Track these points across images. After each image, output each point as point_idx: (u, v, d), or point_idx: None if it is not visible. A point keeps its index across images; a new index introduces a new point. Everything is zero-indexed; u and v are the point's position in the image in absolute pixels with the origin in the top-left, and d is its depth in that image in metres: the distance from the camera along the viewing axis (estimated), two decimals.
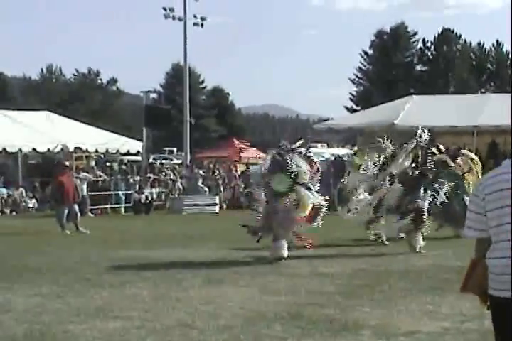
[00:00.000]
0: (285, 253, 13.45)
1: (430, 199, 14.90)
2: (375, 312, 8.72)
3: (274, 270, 12.30)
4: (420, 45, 79.03)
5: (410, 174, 15.22)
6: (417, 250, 14.51)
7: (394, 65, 75.48)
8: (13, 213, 26.66)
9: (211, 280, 11.21)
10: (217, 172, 31.78)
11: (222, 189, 30.25)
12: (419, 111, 30.73)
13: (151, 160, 37.31)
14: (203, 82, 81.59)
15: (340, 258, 13.83)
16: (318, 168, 14.28)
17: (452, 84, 77.00)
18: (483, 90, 75.37)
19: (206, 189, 29.61)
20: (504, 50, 78.26)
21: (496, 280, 4.37)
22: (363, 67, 79.25)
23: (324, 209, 13.97)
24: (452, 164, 16.85)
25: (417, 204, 14.77)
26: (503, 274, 4.33)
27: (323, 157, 32.19)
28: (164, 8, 39.90)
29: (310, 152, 14.63)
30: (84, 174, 25.55)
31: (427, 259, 13.51)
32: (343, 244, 16.25)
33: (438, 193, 15.01)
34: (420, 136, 15.45)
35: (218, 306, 9.13)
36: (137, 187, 28.05)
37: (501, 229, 4.36)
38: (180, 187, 30.59)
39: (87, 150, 29.59)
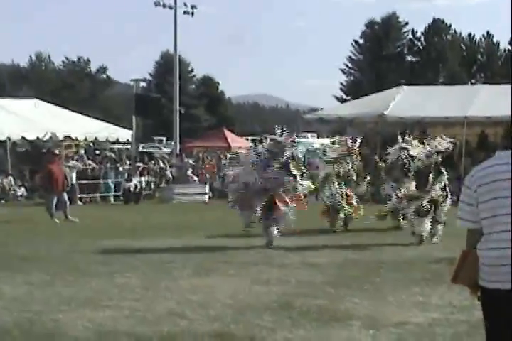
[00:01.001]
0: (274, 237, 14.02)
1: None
2: (365, 302, 8.74)
3: (264, 260, 12.31)
4: (410, 35, 79.03)
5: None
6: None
7: (384, 56, 75.48)
8: (2, 201, 26.58)
9: (201, 269, 11.21)
10: (207, 161, 31.76)
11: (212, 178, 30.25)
12: (409, 102, 30.72)
13: (140, 149, 37.25)
14: (192, 70, 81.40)
15: (330, 248, 13.86)
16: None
17: (442, 74, 77.09)
18: (473, 81, 75.42)
19: (196, 178, 29.59)
20: (494, 41, 78.36)
21: (487, 271, 4.38)
22: (354, 57, 79.23)
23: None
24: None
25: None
26: (494, 265, 4.33)
27: (313, 147, 32.13)
28: None
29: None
30: (74, 162, 25.52)
31: (417, 250, 13.56)
32: (332, 233, 16.30)
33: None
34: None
35: (208, 296, 9.13)
36: (126, 175, 28.01)
37: (494, 221, 4.36)
38: (170, 176, 30.56)
39: (76, 139, 29.50)
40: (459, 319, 7.82)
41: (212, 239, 15.29)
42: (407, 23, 79.01)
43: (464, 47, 78.83)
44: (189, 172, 29.73)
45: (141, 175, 28.79)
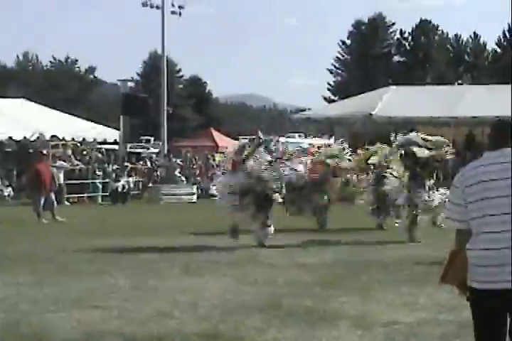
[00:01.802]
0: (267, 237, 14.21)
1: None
2: (354, 302, 8.74)
3: (253, 260, 12.31)
4: (398, 35, 79.16)
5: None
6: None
7: (372, 56, 75.54)
8: None
9: (189, 269, 11.21)
10: (195, 161, 31.74)
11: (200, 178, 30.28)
12: (397, 102, 30.84)
13: (128, 149, 37.15)
14: (180, 71, 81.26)
15: (318, 248, 13.88)
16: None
17: (430, 75, 77.21)
18: (460, 81, 75.64)
19: (183, 178, 29.57)
20: (481, 41, 78.58)
21: (476, 271, 4.38)
22: (341, 57, 79.27)
23: None
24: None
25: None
26: (483, 266, 4.34)
27: (300, 147, 32.17)
28: None
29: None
30: (61, 162, 25.43)
31: (405, 250, 13.57)
32: (321, 233, 16.32)
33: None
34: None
35: (197, 296, 9.11)
36: (114, 176, 27.95)
37: (483, 221, 4.37)
38: (158, 176, 30.52)
39: (63, 139, 29.40)
40: (448, 319, 7.83)
41: (200, 238, 15.28)
42: (394, 23, 79.16)
43: (451, 48, 79.03)
44: (177, 173, 29.69)
45: (128, 175, 28.73)
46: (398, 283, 10.01)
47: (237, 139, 46.28)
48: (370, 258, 12.54)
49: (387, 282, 10.10)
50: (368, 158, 18.15)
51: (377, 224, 17.66)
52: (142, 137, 57.84)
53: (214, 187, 15.48)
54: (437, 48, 77.01)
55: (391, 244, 14.36)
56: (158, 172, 30.79)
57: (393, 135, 15.72)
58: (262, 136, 14.72)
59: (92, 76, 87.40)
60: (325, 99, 77.22)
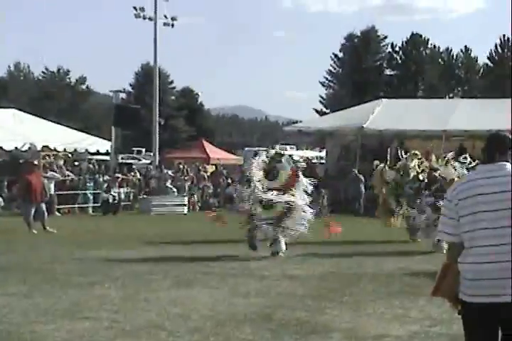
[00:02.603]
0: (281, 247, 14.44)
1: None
2: (345, 315, 8.74)
3: (244, 272, 12.30)
4: (389, 49, 79.40)
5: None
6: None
7: (364, 69, 75.70)
8: None
9: (180, 281, 11.18)
10: (186, 173, 31.72)
11: (194, 190, 30.25)
12: (388, 115, 30.85)
13: (119, 160, 37.10)
14: (172, 82, 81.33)
15: (310, 260, 13.87)
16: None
17: (421, 88, 77.48)
18: (451, 95, 75.90)
19: (175, 189, 29.53)
20: (473, 55, 78.91)
21: (467, 285, 4.39)
22: (333, 70, 79.45)
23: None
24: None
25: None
26: (475, 280, 4.35)
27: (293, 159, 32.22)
28: (135, 8, 39.86)
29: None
30: (52, 173, 25.34)
31: (397, 262, 13.55)
32: (313, 245, 16.30)
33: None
34: None
35: (188, 308, 9.09)
36: (105, 186, 27.89)
37: (474, 235, 4.39)
38: (149, 187, 30.48)
39: (55, 149, 29.31)
40: (439, 332, 7.84)
41: (191, 250, 15.25)
42: (386, 37, 79.41)
43: (442, 62, 79.30)
44: (168, 184, 29.65)
45: (120, 186, 28.67)
46: (390, 295, 10.02)
47: (229, 151, 46.44)
48: (363, 270, 12.54)
49: (379, 294, 10.10)
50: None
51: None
52: (134, 148, 57.85)
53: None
54: (429, 62, 77.28)
55: (386, 257, 14.35)
56: (150, 183, 30.73)
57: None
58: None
59: (84, 86, 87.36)
60: (317, 111, 77.29)
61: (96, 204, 27.66)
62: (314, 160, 39.63)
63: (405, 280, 11.32)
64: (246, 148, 50.87)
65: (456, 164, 16.34)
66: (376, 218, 18.95)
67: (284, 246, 14.47)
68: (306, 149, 57.83)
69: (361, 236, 18.00)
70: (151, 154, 40.68)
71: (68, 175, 28.34)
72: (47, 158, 29.75)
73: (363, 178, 27.86)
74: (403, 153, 18.21)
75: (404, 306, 9.23)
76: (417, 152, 17.80)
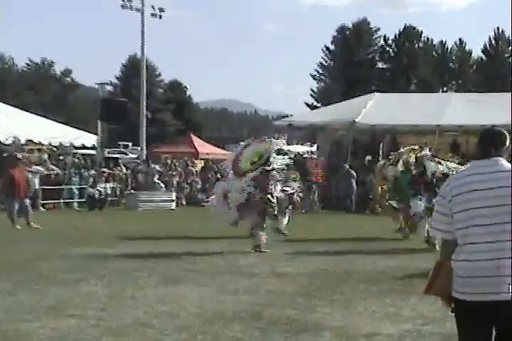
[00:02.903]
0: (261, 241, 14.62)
1: None
2: (336, 313, 8.76)
3: (233, 269, 12.31)
4: (382, 42, 79.40)
5: None
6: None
7: (356, 62, 75.72)
8: None
9: (168, 278, 11.19)
10: (174, 168, 31.70)
11: (182, 185, 30.28)
12: (381, 109, 30.85)
13: (106, 154, 37.01)
14: (160, 75, 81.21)
15: (300, 257, 13.88)
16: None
17: (414, 82, 77.57)
18: (445, 89, 76.03)
19: (162, 185, 29.52)
20: (467, 48, 79.03)
21: (461, 283, 4.41)
22: (325, 63, 79.43)
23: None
24: None
25: None
26: (468, 277, 4.37)
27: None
28: None
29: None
30: (37, 167, 25.27)
31: (389, 260, 13.57)
32: (303, 242, 16.33)
33: None
34: None
35: (175, 305, 9.10)
36: (91, 181, 27.85)
37: (467, 232, 4.40)
38: (136, 182, 30.45)
39: (39, 143, 29.26)
40: (431, 331, 7.87)
41: (179, 247, 15.24)
42: (378, 29, 79.41)
43: (435, 55, 79.39)
44: (156, 179, 29.64)
45: (106, 181, 28.63)
46: (381, 293, 10.04)
47: (218, 146, 46.37)
48: (355, 268, 12.56)
49: (370, 293, 10.13)
50: None
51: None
52: (120, 142, 57.73)
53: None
54: (422, 55, 77.35)
55: (378, 254, 14.35)
56: (137, 178, 30.70)
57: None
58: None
59: (69, 79, 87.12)
60: (307, 105, 77.31)
61: (81, 200, 27.63)
62: (305, 155, 39.61)
63: (397, 278, 11.35)
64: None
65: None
66: (367, 215, 19.05)
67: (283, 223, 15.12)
68: (297, 144, 57.81)
69: (353, 233, 18.04)
70: (138, 148, 40.64)
71: (53, 170, 28.26)
72: (31, 152, 29.68)
73: (354, 174, 27.88)
74: (397, 148, 18.25)
75: (396, 304, 9.26)
76: (415, 147, 17.75)
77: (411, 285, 10.25)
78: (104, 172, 29.12)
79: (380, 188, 18.06)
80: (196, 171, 32.32)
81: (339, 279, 11.30)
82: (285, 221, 15.81)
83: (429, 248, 14.54)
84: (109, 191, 28.32)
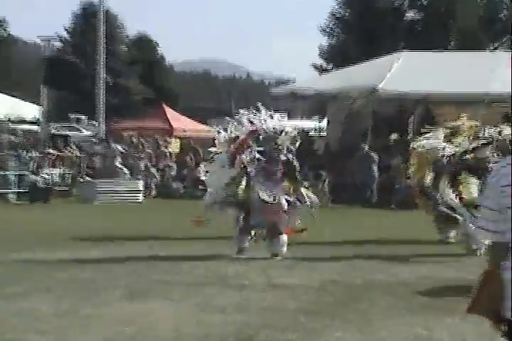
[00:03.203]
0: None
1: None
2: (350, 337, 8.79)
3: (218, 280, 12.32)
4: None
5: None
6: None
7: (378, 12, 75.64)
8: None
9: (134, 292, 11.20)
10: (142, 149, 31.73)
11: (152, 171, 30.34)
12: (410, 73, 30.84)
13: (52, 131, 37.02)
14: (123, 27, 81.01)
15: (304, 265, 13.92)
16: None
17: (454, 37, 77.47)
18: (495, 45, 75.91)
19: (126, 171, 29.54)
20: None
21: None
22: (338, 14, 79.31)
23: None
24: None
25: None
26: None
27: None
28: None
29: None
30: None
31: (419, 269, 13.57)
32: (308, 245, 16.37)
33: None
34: None
35: (143, 327, 9.12)
36: (33, 166, 27.85)
37: None
38: (91, 167, 30.50)
39: None
40: None
41: (147, 250, 15.27)
42: None
43: (481, 1, 79.29)
44: (117, 163, 29.65)
45: (53, 165, 28.64)
46: (408, 312, 10.08)
47: (199, 120, 46.37)
48: (372, 278, 12.59)
49: (393, 310, 10.16)
50: None
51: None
52: (72, 115, 57.74)
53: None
54: (463, 2, 77.25)
55: (404, 261, 14.29)
56: (93, 162, 30.75)
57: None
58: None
59: (3, 31, 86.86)
60: (315, 67, 77.25)
61: (21, 190, 27.63)
62: (312, 133, 39.72)
63: (428, 292, 11.38)
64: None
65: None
66: (392, 210, 19.00)
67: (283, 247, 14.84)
68: (301, 118, 57.86)
69: (372, 233, 18.06)
70: (95, 123, 40.66)
71: None
72: None
73: (376, 157, 27.90)
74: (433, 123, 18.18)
75: (428, 325, 9.28)
76: (472, 123, 17.69)
77: (447, 300, 10.29)
78: (50, 154, 29.13)
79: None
80: (170, 153, 32.33)
81: (354, 293, 11.35)
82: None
83: (469, 253, 14.58)
84: (56, 178, 28.34)
